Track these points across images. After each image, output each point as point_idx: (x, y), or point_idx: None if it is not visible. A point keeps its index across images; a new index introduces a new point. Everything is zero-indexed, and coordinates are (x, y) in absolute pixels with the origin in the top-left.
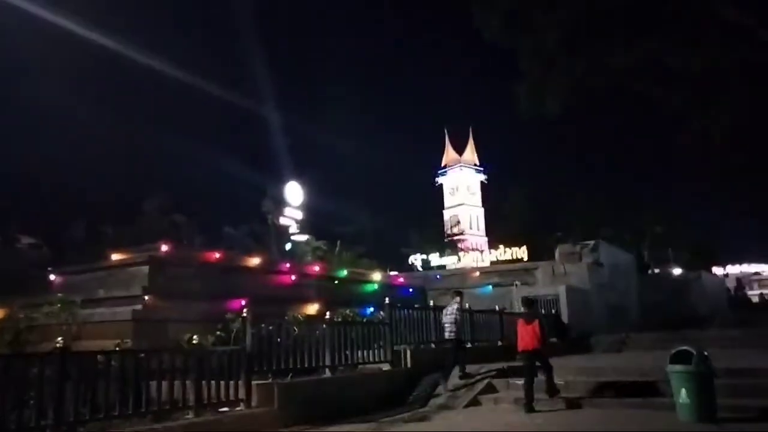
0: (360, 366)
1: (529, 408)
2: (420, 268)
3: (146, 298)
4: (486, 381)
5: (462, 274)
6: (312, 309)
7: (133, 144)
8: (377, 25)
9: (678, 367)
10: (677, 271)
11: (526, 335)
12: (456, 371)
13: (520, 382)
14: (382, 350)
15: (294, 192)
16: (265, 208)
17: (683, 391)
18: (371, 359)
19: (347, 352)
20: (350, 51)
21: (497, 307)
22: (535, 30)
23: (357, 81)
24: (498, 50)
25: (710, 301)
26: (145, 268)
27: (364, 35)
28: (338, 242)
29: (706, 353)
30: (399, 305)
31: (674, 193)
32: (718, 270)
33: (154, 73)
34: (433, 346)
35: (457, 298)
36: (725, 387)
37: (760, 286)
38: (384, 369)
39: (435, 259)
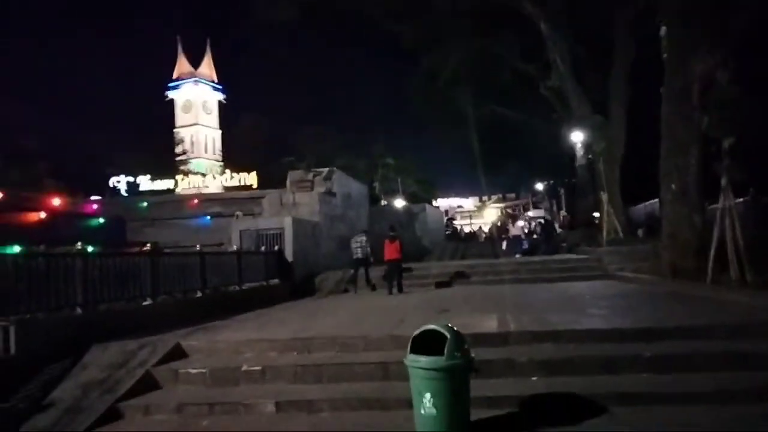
0: None
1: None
2: (124, 193)
3: None
4: (142, 371)
5: (177, 201)
6: None
7: None
8: None
9: (423, 361)
10: (402, 203)
11: (392, 249)
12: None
13: (196, 371)
14: None
15: None
16: None
17: (428, 396)
18: None
19: None
20: None
21: (198, 247)
22: None
23: None
24: None
25: (432, 233)
26: None
27: None
28: None
29: (458, 331)
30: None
31: (398, 126)
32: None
33: None
34: (79, 311)
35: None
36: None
37: (461, 218)
38: None
39: (146, 182)
